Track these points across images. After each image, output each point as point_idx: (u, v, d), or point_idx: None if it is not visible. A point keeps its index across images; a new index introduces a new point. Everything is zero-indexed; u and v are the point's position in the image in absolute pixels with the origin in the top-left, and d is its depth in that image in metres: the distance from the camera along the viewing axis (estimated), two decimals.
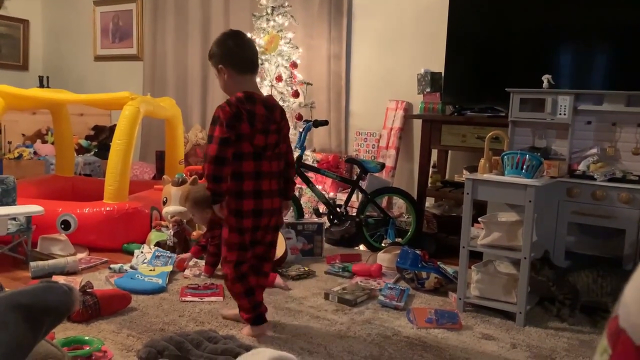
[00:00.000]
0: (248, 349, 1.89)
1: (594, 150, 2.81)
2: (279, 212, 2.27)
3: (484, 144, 2.76)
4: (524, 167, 2.51)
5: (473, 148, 3.58)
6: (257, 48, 4.29)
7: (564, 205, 2.72)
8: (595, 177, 2.66)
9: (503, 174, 2.59)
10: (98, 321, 2.36)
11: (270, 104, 2.24)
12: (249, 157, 2.13)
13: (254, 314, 2.24)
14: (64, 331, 2.21)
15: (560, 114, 2.80)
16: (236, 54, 2.20)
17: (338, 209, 3.75)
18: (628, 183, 2.62)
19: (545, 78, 2.90)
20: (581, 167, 2.77)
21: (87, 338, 2.11)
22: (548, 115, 2.81)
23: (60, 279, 2.74)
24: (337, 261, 3.32)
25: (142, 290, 2.69)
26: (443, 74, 3.83)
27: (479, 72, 3.73)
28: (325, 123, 3.88)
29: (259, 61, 4.32)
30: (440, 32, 3.84)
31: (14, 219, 3.13)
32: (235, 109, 2.11)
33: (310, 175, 3.82)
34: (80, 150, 5.38)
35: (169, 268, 2.99)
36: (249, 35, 4.39)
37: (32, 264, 2.93)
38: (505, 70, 3.59)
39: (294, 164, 2.48)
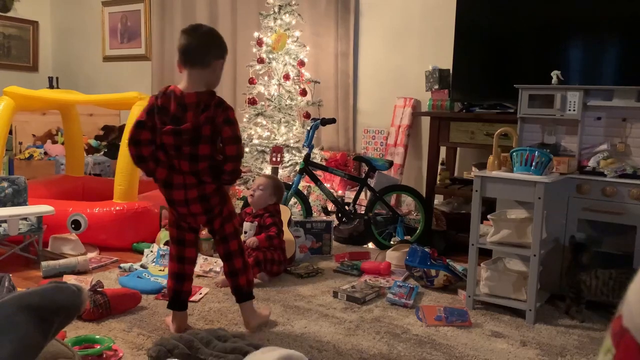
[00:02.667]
0: (257, 347, 1.90)
1: (604, 147, 2.78)
2: None
3: (493, 141, 2.75)
4: (533, 163, 2.49)
5: (482, 145, 3.56)
6: (257, 46, 4.33)
7: (574, 202, 2.70)
8: (605, 173, 2.64)
9: (512, 171, 2.57)
10: (108, 320, 2.38)
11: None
12: None
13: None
14: (75, 330, 2.23)
15: (569, 110, 2.78)
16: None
17: (346, 207, 3.75)
18: (639, 179, 2.59)
19: (555, 74, 2.88)
20: (591, 163, 2.74)
21: (97, 337, 2.12)
22: (557, 111, 2.79)
23: (71, 279, 2.77)
24: (346, 259, 3.33)
25: (143, 289, 2.69)
26: (451, 71, 3.82)
27: (488, 68, 3.71)
28: (333, 121, 3.88)
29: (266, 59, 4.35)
30: (448, 29, 3.82)
31: (25, 219, 3.16)
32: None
33: (319, 173, 3.83)
34: (90, 150, 5.42)
35: None
36: (256, 34, 4.41)
37: (44, 263, 2.96)
38: (513, 67, 3.57)
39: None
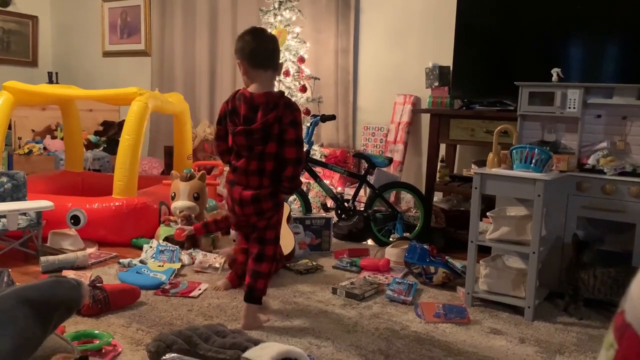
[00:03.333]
0: (256, 343, 1.90)
1: (604, 144, 2.78)
2: None
3: (493, 138, 2.75)
4: (533, 161, 2.49)
5: (481, 142, 3.56)
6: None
7: (574, 200, 2.70)
8: (605, 171, 2.64)
9: (512, 168, 2.57)
10: (107, 315, 2.38)
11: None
12: None
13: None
14: (74, 325, 2.23)
15: (569, 108, 2.78)
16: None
17: (346, 204, 3.75)
18: (638, 177, 2.59)
19: (555, 71, 2.88)
20: (591, 161, 2.74)
21: (97, 332, 2.12)
22: (557, 109, 2.79)
23: (71, 274, 2.77)
24: (345, 256, 3.33)
25: (143, 285, 2.69)
26: (451, 68, 3.81)
27: (488, 65, 3.71)
28: (332, 118, 3.87)
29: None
30: (449, 26, 3.82)
31: (25, 214, 3.16)
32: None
33: (318, 170, 3.82)
34: (90, 145, 5.41)
35: (177, 265, 3.00)
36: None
37: (43, 258, 2.96)
38: (514, 64, 3.57)
39: None
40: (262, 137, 2.19)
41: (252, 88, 2.24)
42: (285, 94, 2.29)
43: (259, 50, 2.22)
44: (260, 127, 2.18)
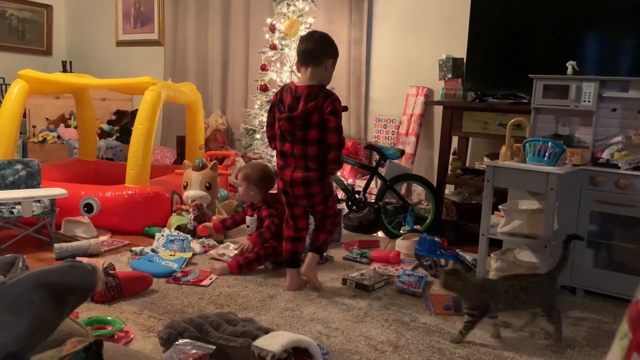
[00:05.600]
0: (267, 331, 1.91)
1: (619, 138, 2.75)
2: None
3: (506, 131, 2.73)
4: (546, 154, 2.48)
5: (494, 135, 3.54)
6: (270, 33, 4.31)
7: (587, 194, 2.68)
8: (619, 165, 2.62)
9: (524, 162, 2.56)
10: (120, 302, 2.41)
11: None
12: None
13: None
14: (86, 311, 2.26)
15: (584, 101, 2.75)
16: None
17: (357, 196, 3.74)
18: None
19: (570, 64, 2.85)
20: (605, 155, 2.72)
21: (109, 318, 2.15)
22: (572, 102, 2.76)
23: (83, 261, 2.80)
24: (356, 247, 3.33)
25: (154, 273, 2.71)
26: (465, 60, 3.79)
27: (502, 58, 3.68)
28: (344, 109, 3.86)
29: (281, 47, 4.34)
30: (463, 17, 3.78)
31: (39, 201, 3.20)
32: None
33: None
34: (103, 134, 5.45)
35: (189, 254, 3.03)
36: (269, 20, 4.40)
37: (56, 245, 3.00)
38: (528, 56, 3.53)
39: None
40: (303, 124, 2.50)
41: (299, 82, 2.59)
42: (327, 87, 2.56)
43: (303, 51, 2.56)
44: (300, 114, 2.49)
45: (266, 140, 4.34)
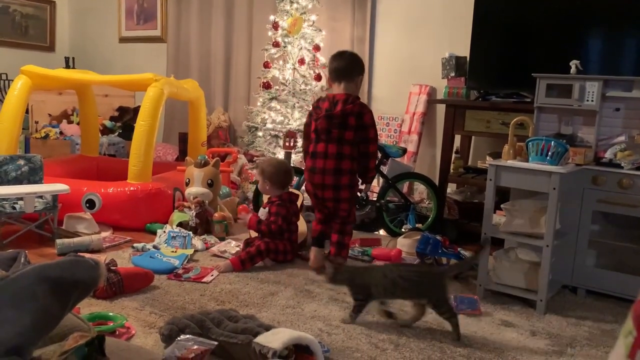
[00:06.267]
0: (268, 328, 1.91)
1: (622, 138, 2.75)
2: None
3: (509, 130, 2.72)
4: (549, 153, 2.47)
5: (497, 134, 3.53)
6: (273, 30, 4.31)
7: (589, 194, 2.67)
8: (622, 165, 2.61)
9: (527, 161, 2.55)
10: (121, 298, 2.41)
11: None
12: None
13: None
14: (88, 307, 2.26)
15: (587, 101, 2.74)
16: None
17: (359, 194, 3.74)
18: None
19: (573, 63, 2.84)
20: (608, 154, 2.71)
21: (111, 314, 2.15)
22: (575, 101, 2.76)
23: (85, 256, 2.80)
24: (357, 245, 3.33)
25: (156, 269, 2.71)
26: (468, 59, 3.78)
27: (505, 56, 3.67)
28: None
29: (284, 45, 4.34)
30: (466, 16, 3.78)
31: (41, 197, 3.20)
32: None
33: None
34: (105, 131, 5.45)
35: (190, 251, 3.03)
36: (272, 18, 4.40)
37: (58, 241, 3.00)
38: (531, 55, 3.53)
39: None
40: (340, 123, 2.69)
41: (333, 93, 2.82)
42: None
43: (336, 69, 2.81)
44: (339, 113, 2.69)
45: (268, 137, 4.37)
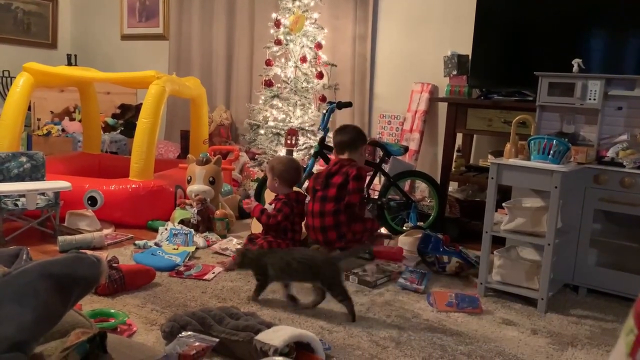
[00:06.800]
0: (269, 325, 1.92)
1: (624, 137, 2.74)
2: None
3: (511, 129, 2.72)
4: (551, 152, 2.47)
5: (499, 132, 3.53)
6: (275, 28, 4.31)
7: (591, 192, 2.67)
8: (624, 164, 2.61)
9: (529, 159, 2.55)
10: (123, 295, 2.41)
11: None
12: None
13: None
14: (89, 304, 2.27)
15: (590, 99, 2.74)
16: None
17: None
18: None
19: (576, 62, 2.83)
20: (610, 153, 2.71)
21: (112, 311, 2.16)
22: (577, 100, 2.75)
23: (87, 253, 2.81)
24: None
25: (157, 267, 2.71)
26: (470, 57, 3.77)
27: (507, 55, 3.66)
28: (349, 105, 3.86)
29: (287, 43, 4.34)
30: (469, 14, 3.77)
31: (43, 194, 3.20)
32: None
33: (333, 157, 3.82)
34: (107, 128, 5.45)
35: (192, 248, 3.03)
36: (274, 15, 4.40)
37: (60, 238, 3.01)
38: (534, 54, 3.52)
39: None
40: (323, 183, 3.05)
41: None
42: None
43: (340, 142, 3.15)
44: (323, 175, 3.08)
45: (269, 135, 4.38)
